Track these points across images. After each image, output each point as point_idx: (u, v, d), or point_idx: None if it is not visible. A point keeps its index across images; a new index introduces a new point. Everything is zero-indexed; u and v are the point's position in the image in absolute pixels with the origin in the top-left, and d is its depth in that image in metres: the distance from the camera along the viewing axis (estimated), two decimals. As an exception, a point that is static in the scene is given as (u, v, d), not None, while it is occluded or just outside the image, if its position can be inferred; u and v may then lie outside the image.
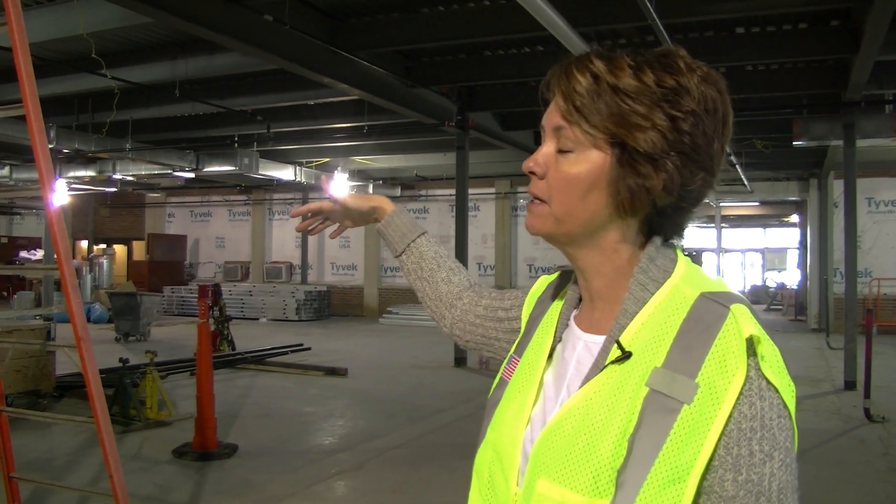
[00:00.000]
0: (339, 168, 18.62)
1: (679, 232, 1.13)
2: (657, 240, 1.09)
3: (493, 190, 20.31)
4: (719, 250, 23.61)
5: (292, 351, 13.64)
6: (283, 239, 24.33)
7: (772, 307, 28.07)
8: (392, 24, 9.13)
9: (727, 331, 0.96)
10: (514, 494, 1.07)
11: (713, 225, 23.01)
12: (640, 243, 1.10)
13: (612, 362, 1.02)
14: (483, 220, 21.43)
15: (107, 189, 21.95)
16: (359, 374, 11.53)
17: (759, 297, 31.44)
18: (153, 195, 25.71)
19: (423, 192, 22.07)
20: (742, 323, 0.95)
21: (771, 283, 32.74)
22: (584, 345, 1.11)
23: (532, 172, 1.09)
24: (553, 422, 1.04)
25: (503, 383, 1.23)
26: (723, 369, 0.93)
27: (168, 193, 25.58)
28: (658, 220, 1.09)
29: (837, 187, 18.60)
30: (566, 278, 1.28)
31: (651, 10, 5.99)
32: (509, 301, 1.46)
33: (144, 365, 8.09)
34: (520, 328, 1.35)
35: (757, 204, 25.76)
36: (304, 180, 18.77)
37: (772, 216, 30.13)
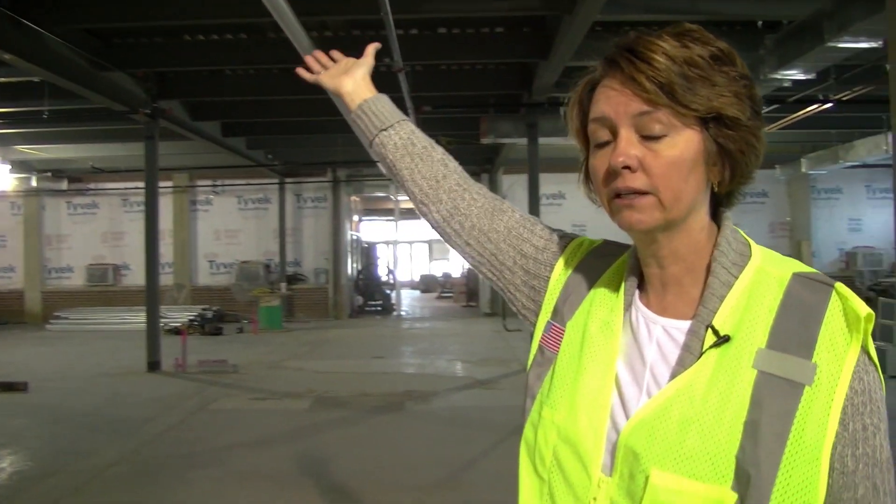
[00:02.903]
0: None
1: (733, 202, 1.14)
2: (728, 221, 1.11)
3: (170, 184, 19.23)
4: (397, 242, 24.48)
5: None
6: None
7: (442, 295, 29.75)
8: (83, 1, 8.26)
9: (833, 308, 0.99)
10: (599, 482, 1.05)
11: (392, 218, 23.74)
12: (710, 222, 1.10)
13: (711, 347, 1.00)
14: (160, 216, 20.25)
15: None
16: (41, 387, 10.32)
17: (430, 286, 33.23)
18: None
19: (91, 186, 20.31)
20: (853, 301, 0.98)
21: (438, 272, 34.73)
22: (663, 329, 1.08)
23: (626, 167, 1.03)
24: (653, 410, 1.01)
25: (548, 356, 1.18)
26: (834, 347, 0.97)
27: None
28: (723, 198, 1.10)
29: (506, 182, 20.17)
30: (614, 251, 1.26)
31: (387, 3, 6.01)
32: (541, 240, 1.34)
33: None
34: (547, 279, 1.29)
35: (428, 197, 27.05)
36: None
37: (439, 209, 31.85)
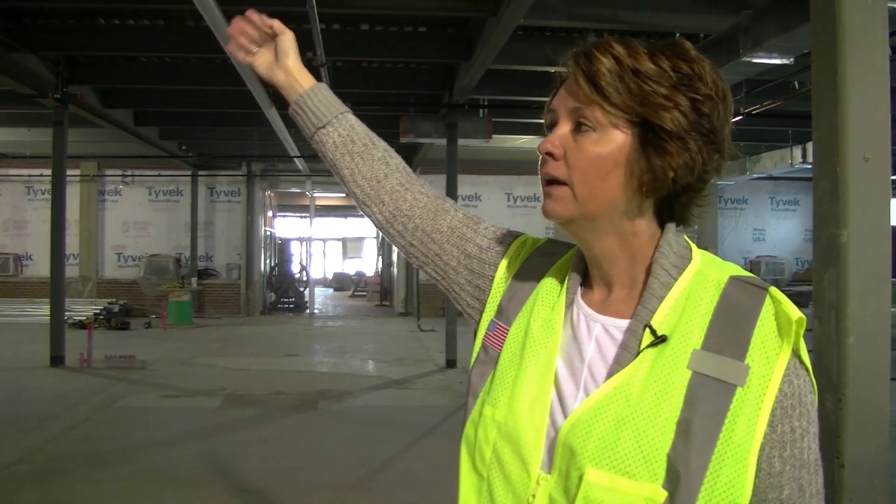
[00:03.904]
0: None
1: (686, 218, 1.15)
2: (672, 225, 1.12)
3: (78, 172, 18.56)
4: (311, 239, 24.23)
5: None
6: None
7: (356, 293, 29.61)
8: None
9: (767, 312, 1.02)
10: (539, 478, 1.06)
11: (307, 214, 23.49)
12: (654, 229, 1.12)
13: (648, 346, 1.03)
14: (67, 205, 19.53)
15: None
16: (-67, 382, 9.86)
17: (343, 284, 33.02)
18: None
19: (-10, 172, 19.46)
20: (786, 305, 1.01)
21: (351, 271, 34.56)
22: (603, 328, 1.10)
23: (549, 154, 1.08)
24: (590, 408, 1.03)
25: (491, 354, 1.19)
26: (766, 350, 1.00)
27: None
28: (670, 205, 1.12)
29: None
30: (558, 250, 1.27)
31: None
32: (485, 239, 1.34)
33: None
34: (491, 278, 1.29)
35: (343, 195, 26.91)
36: None
37: (353, 206, 31.66)
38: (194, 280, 18.84)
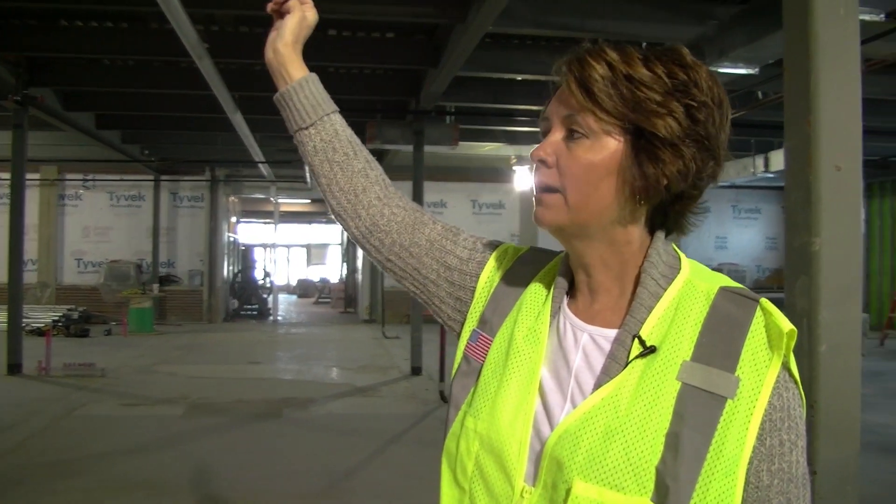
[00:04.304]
0: None
1: (681, 226, 1.15)
2: (661, 234, 1.11)
3: (38, 176, 18.23)
4: (275, 245, 24.06)
5: None
6: None
7: (320, 300, 29.45)
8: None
9: (757, 323, 1.01)
10: (524, 491, 1.04)
11: (271, 220, 23.32)
12: (645, 237, 1.11)
13: (637, 357, 1.01)
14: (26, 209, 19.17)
15: None
16: None
17: (307, 291, 32.84)
18: None
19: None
20: (777, 317, 1.00)
21: (315, 278, 34.38)
22: (590, 337, 1.09)
23: (542, 161, 1.08)
24: (578, 419, 1.01)
25: (474, 365, 1.17)
26: (756, 362, 0.99)
27: None
28: (664, 213, 1.11)
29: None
30: (541, 258, 1.26)
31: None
32: (465, 250, 1.31)
33: None
34: (473, 289, 1.27)
35: (308, 201, 26.76)
36: None
37: (320, 213, 31.54)
38: (156, 286, 18.61)
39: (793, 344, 0.99)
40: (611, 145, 1.03)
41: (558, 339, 1.12)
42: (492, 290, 1.24)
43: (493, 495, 1.06)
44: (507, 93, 11.39)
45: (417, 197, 11.93)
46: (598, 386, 1.03)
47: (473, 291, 1.27)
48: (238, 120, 10.77)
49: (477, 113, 12.85)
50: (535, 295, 1.18)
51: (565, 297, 1.16)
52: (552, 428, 1.04)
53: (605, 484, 0.95)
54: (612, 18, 8.02)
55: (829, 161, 2.23)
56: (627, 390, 1.00)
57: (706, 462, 0.93)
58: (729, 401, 0.96)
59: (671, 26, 7.79)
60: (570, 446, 0.99)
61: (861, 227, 2.30)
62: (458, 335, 1.29)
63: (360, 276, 22.11)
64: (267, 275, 24.11)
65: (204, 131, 14.40)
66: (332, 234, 36.10)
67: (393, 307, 19.04)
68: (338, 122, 1.35)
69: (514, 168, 16.74)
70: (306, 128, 1.34)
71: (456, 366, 1.21)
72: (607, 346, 1.06)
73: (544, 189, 1.08)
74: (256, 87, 11.03)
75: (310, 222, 35.09)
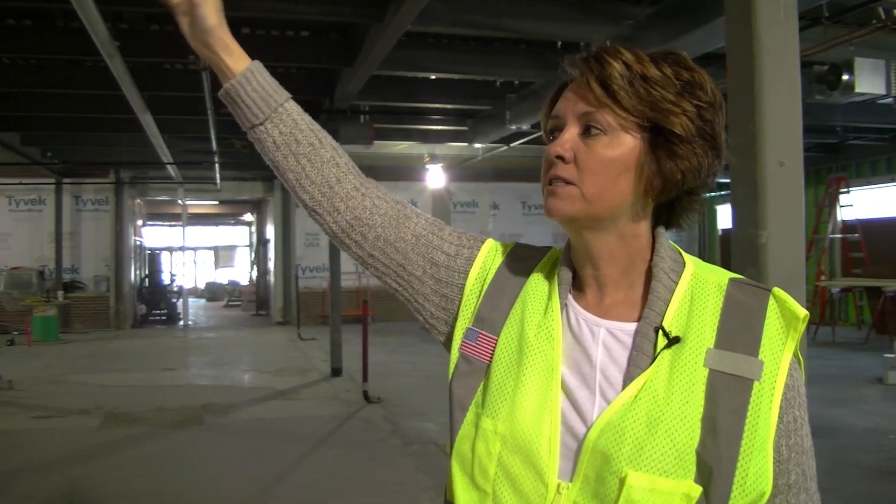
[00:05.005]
0: None
1: (680, 222, 1.19)
2: (662, 229, 1.16)
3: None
4: (183, 248, 23.48)
5: None
6: None
7: (230, 303, 28.91)
8: None
9: (772, 310, 1.07)
10: (559, 487, 1.05)
11: (177, 223, 22.75)
12: (649, 232, 1.15)
13: (664, 348, 1.05)
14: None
15: None
16: None
17: (216, 294, 32.18)
18: None
19: None
20: (791, 304, 1.07)
21: (223, 280, 33.73)
22: (608, 332, 1.11)
23: (559, 157, 1.09)
24: (619, 411, 1.04)
25: (477, 365, 1.17)
26: (774, 345, 1.05)
27: None
28: (669, 209, 1.16)
29: (300, 188, 19.90)
30: (532, 254, 1.27)
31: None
32: (452, 246, 1.29)
33: None
34: (461, 286, 1.26)
35: (216, 203, 26.23)
36: None
37: (228, 214, 30.97)
38: (60, 293, 17.89)
39: (804, 328, 1.06)
40: (629, 142, 1.07)
41: (573, 335, 1.13)
42: (485, 287, 1.23)
43: (522, 494, 1.07)
44: (421, 91, 11.39)
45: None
46: (629, 378, 1.06)
47: (461, 288, 1.26)
48: (148, 120, 10.48)
49: (391, 112, 12.81)
50: (537, 291, 1.19)
51: (568, 292, 1.17)
52: (585, 423, 1.06)
53: (655, 471, 0.99)
54: (528, 18, 8.10)
55: (773, 157, 2.32)
56: (661, 380, 1.04)
57: (743, 441, 0.99)
58: (755, 383, 1.02)
59: (587, 26, 7.91)
60: (615, 438, 1.02)
61: (803, 220, 2.40)
62: (442, 334, 1.28)
63: (272, 278, 21.78)
64: (173, 279, 23.51)
65: (109, 132, 13.91)
66: (239, 236, 35.50)
67: (307, 309, 18.83)
68: (294, 110, 1.27)
69: (427, 166, 16.79)
70: (261, 123, 1.26)
71: (452, 366, 1.19)
72: (627, 340, 1.09)
73: (559, 181, 1.10)
74: (165, 87, 10.77)
75: (217, 224, 34.42)
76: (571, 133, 1.10)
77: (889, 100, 8.78)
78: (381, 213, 1.28)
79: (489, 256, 1.27)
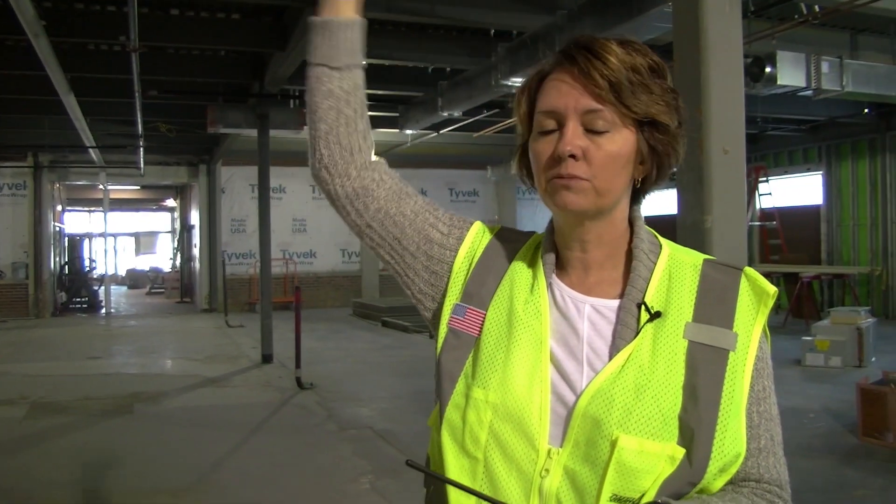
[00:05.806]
0: None
1: (638, 204, 1.27)
2: (640, 212, 1.25)
3: None
4: (105, 234, 22.87)
5: None
6: None
7: (153, 290, 28.30)
8: None
9: (745, 287, 1.18)
10: (550, 452, 1.11)
11: (98, 209, 22.17)
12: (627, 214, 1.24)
13: (647, 321, 1.14)
14: None
15: None
16: None
17: (138, 281, 31.45)
18: None
19: None
20: (762, 281, 1.18)
21: (145, 267, 32.99)
22: (592, 308, 1.19)
23: (572, 156, 1.12)
24: (607, 379, 1.11)
25: (465, 339, 1.22)
26: (746, 319, 1.15)
27: None
28: (639, 193, 1.24)
29: (225, 173, 19.60)
30: (516, 237, 1.34)
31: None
32: (445, 225, 1.33)
33: None
34: (450, 263, 1.31)
35: (138, 188, 25.63)
36: None
37: (149, 200, 30.29)
38: (-25, 281, 17.30)
39: (772, 303, 1.16)
40: (628, 136, 1.13)
41: (559, 311, 1.20)
42: (472, 265, 1.28)
43: (513, 460, 1.13)
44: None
45: (263, 181, 11.72)
46: (615, 350, 1.14)
47: (450, 266, 1.30)
48: (71, 102, 10.20)
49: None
50: (523, 270, 1.25)
51: (553, 272, 1.24)
52: (574, 391, 1.14)
53: (642, 434, 1.07)
54: (462, 5, 8.15)
55: (717, 145, 2.41)
56: (645, 351, 1.12)
57: (721, 407, 1.08)
58: (731, 353, 1.12)
59: (521, 15, 8.01)
60: (605, 404, 1.10)
61: (745, 205, 2.51)
62: (428, 309, 1.33)
63: (197, 265, 21.42)
64: (92, 265, 22.90)
65: (29, 114, 13.49)
66: (161, 222, 34.75)
67: (234, 295, 18.61)
68: (361, 78, 1.30)
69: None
70: (335, 68, 1.26)
71: (441, 340, 1.24)
72: (611, 315, 1.17)
73: (572, 178, 1.13)
74: (88, 68, 10.49)
75: (138, 210, 33.62)
76: (576, 129, 1.13)
77: (808, 92, 9.08)
78: (387, 188, 1.31)
79: (477, 237, 1.32)
